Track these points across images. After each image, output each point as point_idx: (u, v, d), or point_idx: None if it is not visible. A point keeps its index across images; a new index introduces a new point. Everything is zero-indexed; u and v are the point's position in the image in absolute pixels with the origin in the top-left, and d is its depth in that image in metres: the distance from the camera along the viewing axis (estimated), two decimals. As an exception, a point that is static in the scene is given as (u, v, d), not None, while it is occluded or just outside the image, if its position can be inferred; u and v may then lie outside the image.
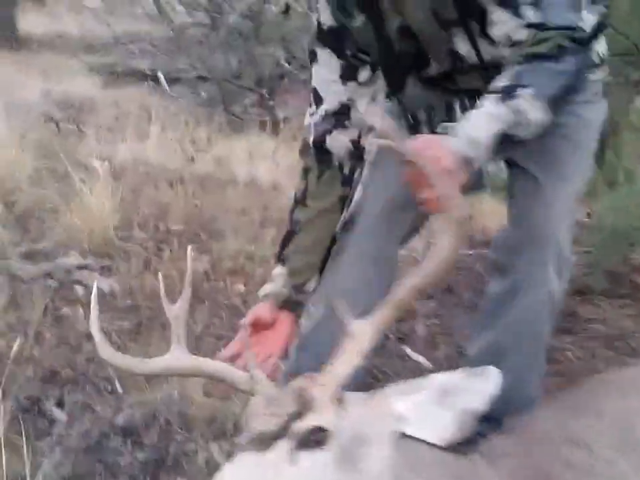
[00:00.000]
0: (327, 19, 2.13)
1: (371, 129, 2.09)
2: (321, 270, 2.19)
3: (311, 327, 2.15)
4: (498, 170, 2.34)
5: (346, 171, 2.22)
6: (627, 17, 3.80)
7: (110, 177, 4.54)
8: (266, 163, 6.42)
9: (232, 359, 1.89)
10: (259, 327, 2.11)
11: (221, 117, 8.29)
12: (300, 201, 2.21)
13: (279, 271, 2.17)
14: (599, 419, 1.62)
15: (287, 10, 10.96)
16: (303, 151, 2.25)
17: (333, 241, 2.20)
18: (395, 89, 2.19)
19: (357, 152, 2.21)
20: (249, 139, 7.17)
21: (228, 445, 2.49)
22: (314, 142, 2.20)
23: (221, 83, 8.62)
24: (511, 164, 2.24)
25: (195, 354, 1.59)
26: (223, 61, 8.88)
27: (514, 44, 1.83)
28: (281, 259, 2.19)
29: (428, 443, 1.46)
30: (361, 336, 1.51)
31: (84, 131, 6.75)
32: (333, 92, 2.17)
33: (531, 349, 2.20)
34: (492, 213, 4.88)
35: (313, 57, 2.20)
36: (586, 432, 1.60)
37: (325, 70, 2.17)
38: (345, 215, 2.21)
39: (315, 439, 1.37)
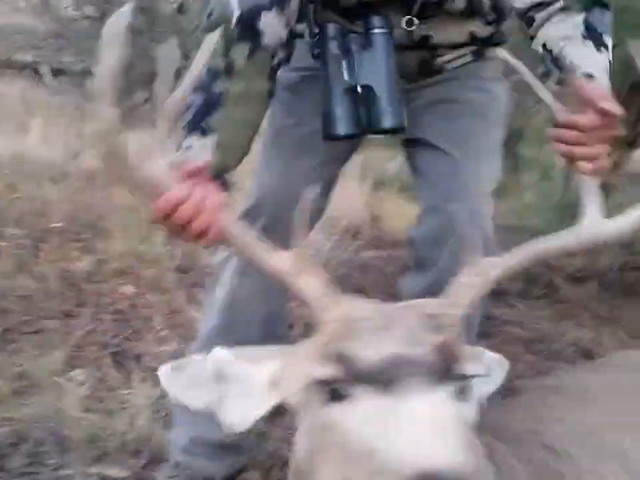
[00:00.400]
0: None
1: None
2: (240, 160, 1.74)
3: None
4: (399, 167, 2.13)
5: (275, 63, 1.75)
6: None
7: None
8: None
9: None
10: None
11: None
12: (223, 73, 1.65)
13: (198, 141, 1.60)
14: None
15: (180, 8, 10.65)
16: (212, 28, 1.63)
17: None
18: None
19: (289, 49, 1.79)
20: (142, 134, 6.74)
21: (112, 469, 2.11)
22: (242, 18, 1.67)
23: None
24: (420, 145, 2.01)
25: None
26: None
27: None
28: (199, 127, 1.62)
29: None
30: (488, 273, 1.34)
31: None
32: None
33: None
34: (398, 214, 4.73)
35: None
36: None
37: None
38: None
39: (464, 386, 1.17)
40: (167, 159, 1.33)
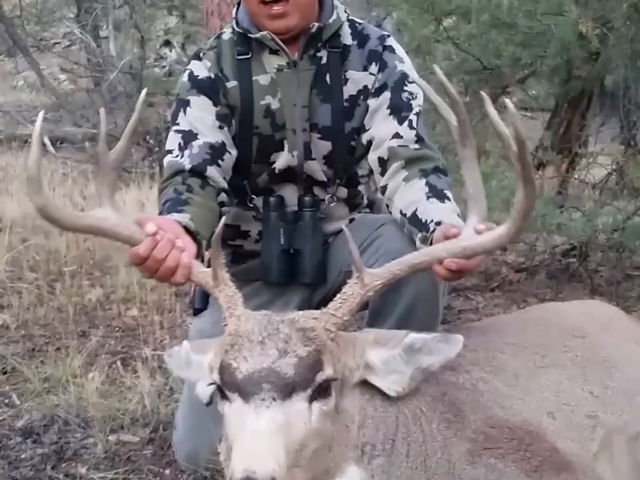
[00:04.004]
0: (202, 71, 2.28)
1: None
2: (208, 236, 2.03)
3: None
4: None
5: (219, 200, 2.21)
6: (476, 39, 4.20)
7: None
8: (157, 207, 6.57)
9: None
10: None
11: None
12: (185, 190, 2.09)
13: (175, 216, 1.93)
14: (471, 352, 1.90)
15: (170, 74, 11.33)
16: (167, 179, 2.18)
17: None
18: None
19: (227, 202, 2.26)
20: (141, 188, 7.32)
21: (126, 435, 2.61)
22: (192, 169, 2.15)
23: (107, 141, 8.70)
24: None
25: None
26: (109, 119, 8.98)
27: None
28: (175, 210, 1.97)
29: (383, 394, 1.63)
30: (370, 284, 1.59)
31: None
32: (210, 130, 2.22)
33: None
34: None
35: (184, 105, 2.25)
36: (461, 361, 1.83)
37: (201, 113, 2.24)
38: None
39: (326, 386, 1.49)
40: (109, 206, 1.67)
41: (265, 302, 2.27)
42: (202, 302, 2.44)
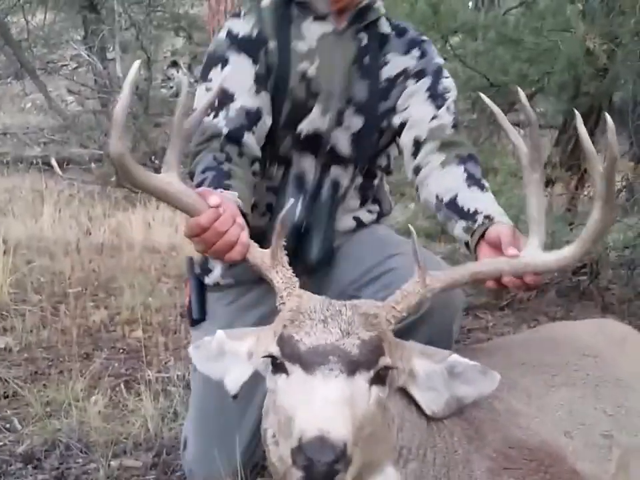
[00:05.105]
0: (243, 28, 2.23)
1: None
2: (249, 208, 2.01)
3: None
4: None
5: (252, 169, 2.16)
6: (482, 56, 4.19)
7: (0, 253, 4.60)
8: (164, 228, 6.57)
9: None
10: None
11: (116, 193, 8.40)
12: (225, 160, 2.04)
13: (225, 194, 1.86)
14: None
15: (177, 95, 11.38)
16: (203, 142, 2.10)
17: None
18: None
19: (257, 172, 2.21)
20: (148, 208, 7.30)
21: (129, 460, 2.55)
22: (230, 134, 2.10)
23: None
24: None
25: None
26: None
27: None
28: (221, 185, 1.91)
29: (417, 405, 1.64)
30: (430, 285, 1.63)
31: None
32: (248, 93, 2.16)
33: None
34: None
35: (221, 62, 2.19)
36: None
37: (239, 74, 2.16)
38: None
39: (384, 374, 1.49)
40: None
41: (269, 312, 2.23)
42: (200, 312, 2.36)
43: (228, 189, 1.88)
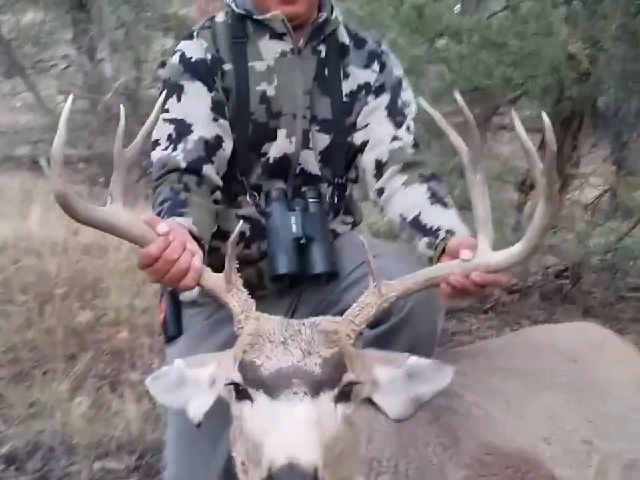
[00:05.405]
0: (197, 52, 2.16)
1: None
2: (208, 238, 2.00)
3: None
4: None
5: (213, 198, 2.15)
6: (467, 60, 4.20)
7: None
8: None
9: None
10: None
11: (104, 193, 8.37)
12: (182, 189, 2.02)
13: (178, 220, 1.86)
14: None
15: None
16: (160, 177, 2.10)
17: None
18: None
19: (220, 200, 2.19)
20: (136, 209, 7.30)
21: (112, 463, 2.57)
22: (188, 167, 2.06)
23: (102, 162, 8.75)
24: None
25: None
26: (104, 141, 9.02)
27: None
28: (176, 213, 1.90)
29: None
30: (385, 295, 1.60)
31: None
32: (205, 122, 2.12)
33: None
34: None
35: (176, 91, 2.13)
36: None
37: (195, 101, 2.12)
38: None
39: (348, 391, 1.47)
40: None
41: None
42: (175, 328, 2.31)
43: (182, 217, 1.86)
